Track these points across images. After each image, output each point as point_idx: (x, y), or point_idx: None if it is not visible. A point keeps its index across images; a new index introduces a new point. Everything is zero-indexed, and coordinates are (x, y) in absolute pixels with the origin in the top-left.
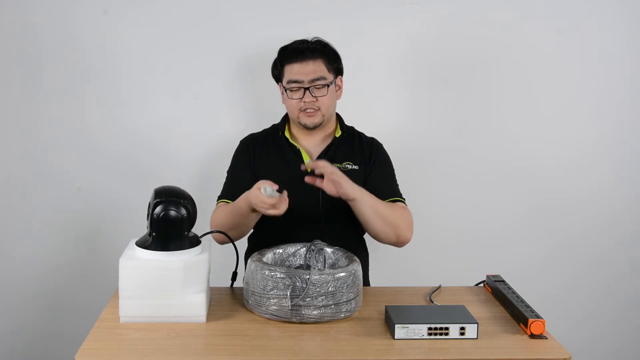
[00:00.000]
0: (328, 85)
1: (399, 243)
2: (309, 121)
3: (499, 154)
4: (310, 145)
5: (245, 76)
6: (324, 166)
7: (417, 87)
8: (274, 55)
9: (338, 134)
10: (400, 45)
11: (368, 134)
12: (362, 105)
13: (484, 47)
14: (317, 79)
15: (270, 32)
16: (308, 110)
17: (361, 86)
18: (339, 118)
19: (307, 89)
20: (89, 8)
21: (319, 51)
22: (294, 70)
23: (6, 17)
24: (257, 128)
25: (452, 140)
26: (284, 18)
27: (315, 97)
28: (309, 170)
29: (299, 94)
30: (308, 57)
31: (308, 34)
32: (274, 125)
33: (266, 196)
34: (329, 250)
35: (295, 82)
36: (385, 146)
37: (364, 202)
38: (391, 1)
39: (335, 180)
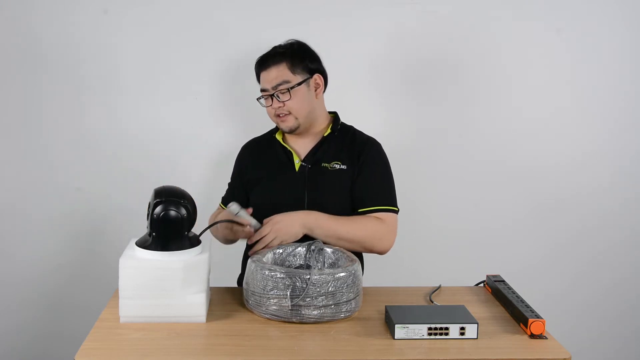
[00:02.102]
0: (290, 89)
1: (375, 253)
2: (283, 126)
3: (499, 154)
4: (299, 146)
5: (246, 77)
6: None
7: (416, 86)
8: None
9: (327, 133)
10: (400, 45)
11: (369, 133)
12: (361, 105)
13: (484, 47)
14: (280, 84)
15: (270, 32)
16: (280, 115)
17: (361, 86)
18: (334, 117)
19: (273, 95)
20: (89, 8)
21: (283, 55)
22: (262, 79)
23: (6, 18)
24: (256, 129)
25: (453, 140)
26: (284, 18)
27: (282, 102)
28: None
29: (269, 102)
30: (270, 64)
31: (308, 34)
32: (274, 128)
33: (232, 212)
34: (329, 250)
35: (263, 90)
36: (385, 146)
37: (318, 234)
38: (391, 1)
39: (284, 236)
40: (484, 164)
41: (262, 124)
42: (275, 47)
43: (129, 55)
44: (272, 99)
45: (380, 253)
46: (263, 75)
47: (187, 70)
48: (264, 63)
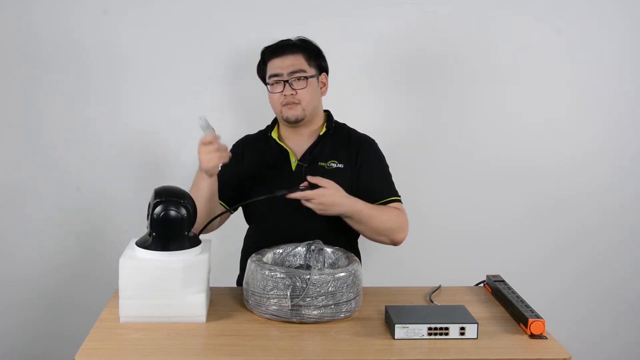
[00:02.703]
0: (307, 78)
1: (393, 244)
2: (290, 114)
3: (499, 154)
4: (296, 144)
5: (246, 76)
6: (316, 187)
7: (417, 86)
8: None
9: (323, 131)
10: (400, 45)
11: (368, 133)
12: (361, 104)
13: (484, 47)
14: (296, 72)
15: (271, 32)
16: (289, 104)
17: (361, 85)
18: (328, 115)
19: (287, 81)
20: (89, 8)
21: (299, 46)
22: (274, 65)
23: (6, 18)
24: (258, 128)
25: (453, 140)
26: (284, 18)
27: (295, 89)
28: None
29: (279, 88)
30: (287, 51)
31: (308, 34)
32: (267, 126)
33: (201, 126)
34: (329, 250)
35: (275, 75)
36: (385, 146)
37: (353, 221)
38: (391, 1)
39: (320, 206)
40: (484, 164)
41: (262, 124)
42: (286, 40)
43: (128, 56)
44: (284, 85)
45: (398, 243)
46: (276, 61)
47: (187, 70)
48: (279, 50)
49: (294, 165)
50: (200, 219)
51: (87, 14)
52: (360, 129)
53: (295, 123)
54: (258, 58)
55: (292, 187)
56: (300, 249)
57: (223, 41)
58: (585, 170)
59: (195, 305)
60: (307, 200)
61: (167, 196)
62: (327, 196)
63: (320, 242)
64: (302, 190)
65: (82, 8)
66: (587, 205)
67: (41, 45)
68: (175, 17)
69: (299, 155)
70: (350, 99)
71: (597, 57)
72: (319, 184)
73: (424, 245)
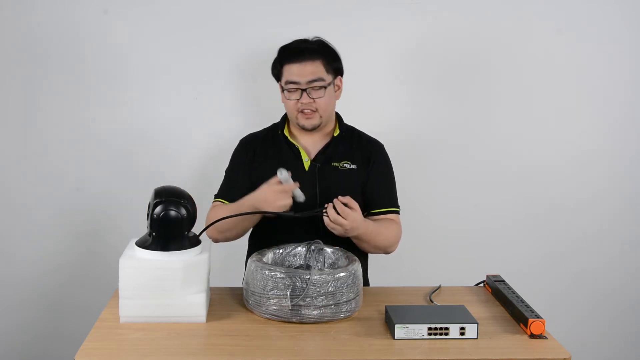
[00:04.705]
0: (325, 87)
1: (384, 253)
2: (307, 123)
3: (499, 154)
4: (308, 144)
5: (246, 76)
6: (347, 211)
7: (417, 87)
8: (275, 55)
9: (336, 133)
10: (400, 45)
11: (369, 133)
12: (362, 104)
13: (484, 47)
14: (315, 80)
15: (270, 32)
16: (305, 112)
17: (361, 86)
18: (338, 117)
19: (305, 90)
20: (89, 8)
21: (318, 52)
22: (292, 71)
23: (6, 18)
24: (258, 127)
25: (452, 140)
26: (284, 18)
27: (312, 98)
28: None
29: (296, 95)
30: (306, 57)
31: (308, 34)
32: (274, 124)
33: (282, 179)
34: (329, 250)
35: (293, 83)
36: (385, 146)
37: (362, 238)
38: (391, 1)
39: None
40: (484, 164)
41: (263, 124)
42: (304, 41)
43: (128, 56)
44: (301, 93)
45: (389, 253)
46: (296, 67)
47: (187, 70)
48: (299, 55)
49: (306, 165)
50: (229, 237)
51: (87, 14)
52: (359, 127)
53: (311, 130)
54: (258, 58)
55: (306, 187)
56: (300, 249)
57: (223, 41)
58: (585, 171)
59: (195, 305)
60: (337, 222)
61: (167, 196)
62: (356, 221)
63: (320, 242)
64: (329, 211)
65: (82, 8)
66: (587, 205)
67: (41, 45)
68: (176, 17)
69: (312, 155)
70: (350, 98)
71: (597, 57)
72: (349, 205)
73: (424, 245)
